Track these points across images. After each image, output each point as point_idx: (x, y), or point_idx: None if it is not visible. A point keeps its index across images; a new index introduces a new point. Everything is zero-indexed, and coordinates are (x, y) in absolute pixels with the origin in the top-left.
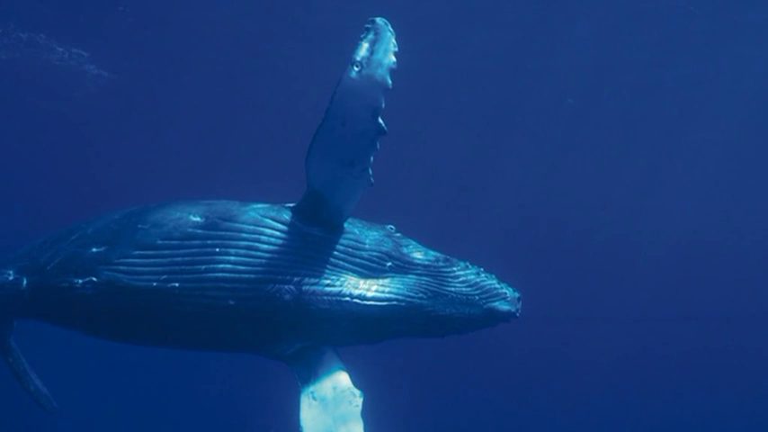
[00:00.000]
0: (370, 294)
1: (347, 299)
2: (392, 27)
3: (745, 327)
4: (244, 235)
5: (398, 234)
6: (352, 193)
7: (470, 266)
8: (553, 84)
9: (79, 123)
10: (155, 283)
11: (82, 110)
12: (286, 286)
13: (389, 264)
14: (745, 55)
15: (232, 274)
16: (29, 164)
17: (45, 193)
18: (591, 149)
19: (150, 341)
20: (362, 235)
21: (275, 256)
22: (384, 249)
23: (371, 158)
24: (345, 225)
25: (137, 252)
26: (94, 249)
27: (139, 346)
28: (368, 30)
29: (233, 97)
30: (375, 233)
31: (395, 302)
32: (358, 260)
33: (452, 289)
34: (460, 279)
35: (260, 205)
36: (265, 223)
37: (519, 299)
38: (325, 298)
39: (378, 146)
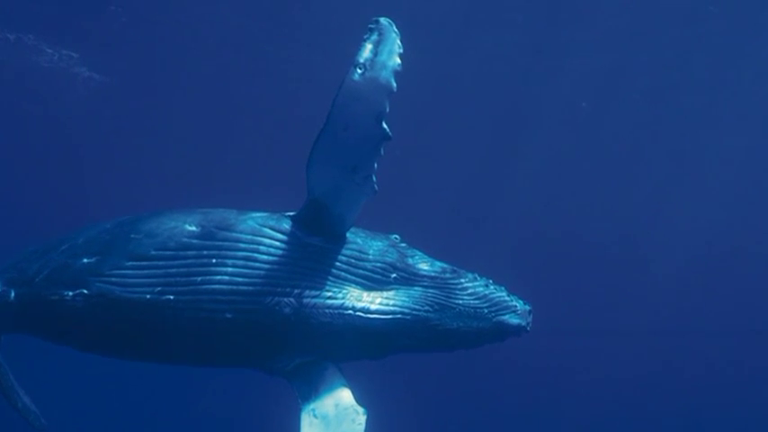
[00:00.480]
0: (373, 307)
1: (350, 312)
2: (397, 27)
3: None
4: (241, 245)
5: (403, 244)
6: (354, 201)
7: (479, 278)
8: (566, 87)
9: (69, 128)
10: (148, 296)
11: (72, 114)
12: (286, 299)
13: (394, 275)
14: None
15: (229, 286)
16: (16, 171)
17: (34, 201)
18: (605, 156)
19: (144, 357)
20: (366, 245)
21: (274, 267)
22: (388, 260)
23: (375, 165)
24: (348, 235)
25: (130, 263)
26: (85, 260)
27: (132, 362)
28: (371, 30)
29: (230, 101)
30: (379, 243)
31: (399, 316)
32: (361, 271)
33: (460, 302)
34: (468, 291)
35: (258, 214)
36: (264, 233)
37: (530, 312)
38: (327, 311)
39: (382, 152)
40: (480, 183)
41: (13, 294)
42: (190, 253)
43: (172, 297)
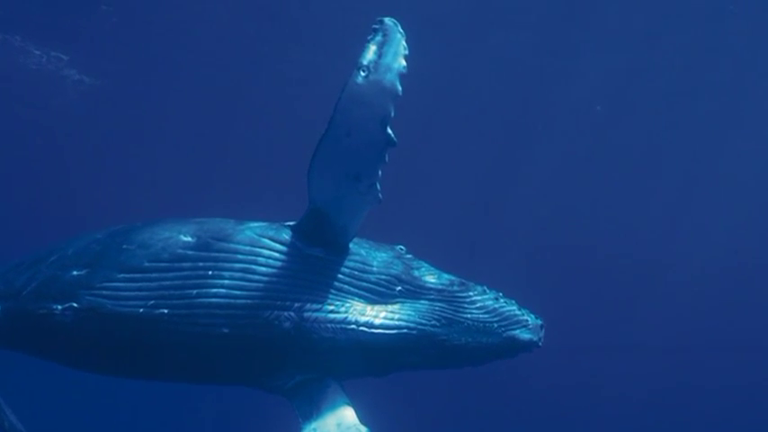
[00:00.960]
0: (377, 322)
1: (353, 327)
2: (402, 28)
3: None
4: (239, 256)
5: (409, 255)
6: (358, 210)
7: (488, 291)
8: (580, 89)
9: (58, 134)
10: (141, 310)
11: (61, 119)
12: (285, 313)
13: (399, 288)
14: None
15: (226, 300)
16: (2, 180)
17: (22, 210)
18: (621, 162)
19: (137, 373)
20: (369, 256)
21: (273, 279)
22: (393, 272)
23: (379, 172)
24: (351, 246)
25: (122, 275)
26: (75, 272)
27: (125, 379)
28: (375, 31)
29: (227, 105)
30: (383, 254)
31: (405, 331)
32: (365, 284)
33: (468, 316)
34: (477, 305)
35: (257, 224)
36: (263, 243)
37: (542, 327)
38: (329, 326)
39: (386, 158)
40: (490, 190)
41: None
42: (185, 265)
43: (166, 311)
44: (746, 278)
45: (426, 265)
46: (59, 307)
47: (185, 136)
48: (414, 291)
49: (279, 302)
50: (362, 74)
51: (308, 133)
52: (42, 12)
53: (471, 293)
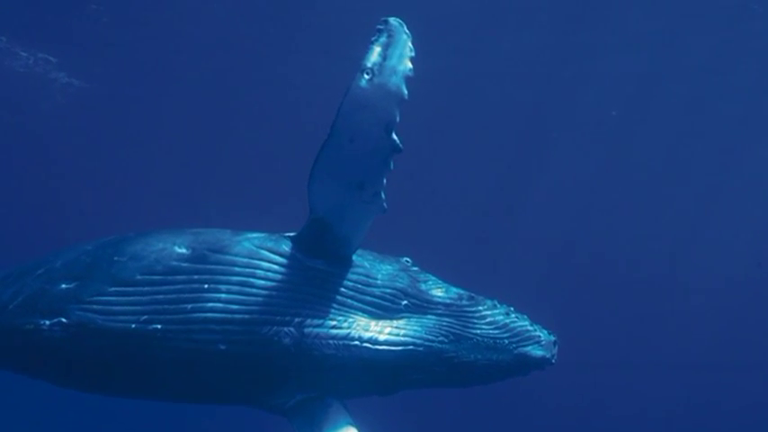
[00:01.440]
0: (382, 338)
1: (356, 343)
2: (408, 28)
3: None
4: (236, 269)
5: (415, 268)
6: (361, 220)
7: (499, 305)
8: (594, 94)
9: (46, 140)
10: (133, 325)
11: (49, 124)
12: (285, 328)
13: (405, 302)
14: None
15: (223, 315)
16: None
17: (7, 221)
18: (638, 170)
19: (129, 392)
20: (374, 269)
21: (273, 293)
22: (399, 286)
23: (384, 180)
24: (354, 258)
25: (113, 289)
26: (64, 285)
27: (117, 398)
28: (380, 32)
29: (225, 110)
30: (388, 267)
31: (411, 347)
32: (369, 298)
33: (478, 331)
34: (487, 320)
35: (255, 235)
36: (261, 255)
37: (555, 343)
38: (331, 342)
39: (391, 166)
40: (500, 200)
41: None
42: (179, 278)
43: (159, 326)
44: None
45: (433, 278)
46: (47, 322)
47: (180, 142)
48: (420, 305)
49: (278, 317)
50: (366, 77)
51: (310, 139)
52: (29, 11)
53: (481, 308)
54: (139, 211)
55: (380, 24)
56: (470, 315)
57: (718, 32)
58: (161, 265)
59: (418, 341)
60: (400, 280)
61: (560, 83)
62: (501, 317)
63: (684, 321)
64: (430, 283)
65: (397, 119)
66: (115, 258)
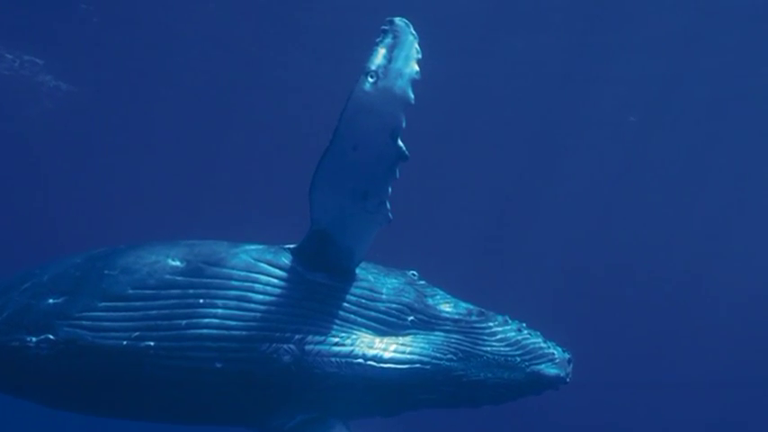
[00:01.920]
0: (387, 355)
1: (360, 361)
2: (414, 29)
3: None
4: (233, 283)
5: (422, 282)
6: (365, 231)
7: (510, 321)
8: (611, 98)
9: (32, 146)
10: (125, 342)
11: (36, 130)
12: (285, 345)
13: (411, 318)
14: None
15: (219, 331)
16: None
17: None
18: (658, 178)
19: (120, 413)
20: (378, 283)
21: (272, 308)
22: (405, 300)
23: (389, 189)
24: (357, 271)
25: (103, 304)
26: (51, 300)
27: (108, 419)
28: (385, 32)
29: (221, 115)
30: (394, 281)
31: (418, 365)
32: (373, 313)
33: (488, 349)
34: (498, 337)
35: (253, 247)
36: (260, 268)
37: (569, 361)
38: (333, 360)
39: (397, 174)
40: (512, 209)
41: None
42: (173, 292)
43: (152, 344)
44: None
45: (441, 292)
46: (34, 339)
47: (174, 149)
48: (427, 321)
49: (278, 334)
50: (370, 80)
51: (311, 146)
52: (15, 11)
53: (491, 324)
54: (131, 221)
55: (385, 25)
56: (480, 331)
57: (742, 31)
58: (154, 278)
59: (425, 359)
60: (406, 294)
61: (575, 86)
62: (512, 333)
63: (709, 336)
64: (438, 297)
65: (403, 124)
66: (105, 272)
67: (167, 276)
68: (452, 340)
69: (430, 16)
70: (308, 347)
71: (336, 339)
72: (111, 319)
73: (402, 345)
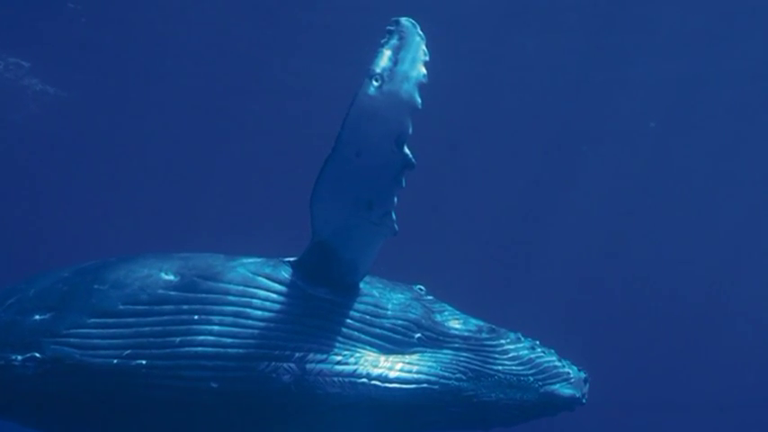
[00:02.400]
0: (393, 375)
1: (364, 380)
2: (422, 30)
3: None
4: (230, 298)
5: (430, 297)
6: (369, 243)
7: (523, 339)
8: (630, 103)
9: (17, 153)
10: (115, 361)
11: (21, 135)
12: (285, 364)
13: (418, 335)
14: None
15: (215, 349)
16: None
17: None
18: (679, 187)
19: None
20: (383, 298)
21: (271, 325)
22: (411, 317)
23: (395, 199)
24: (361, 285)
25: (92, 320)
26: (38, 317)
27: None
28: (391, 33)
29: (218, 120)
30: (400, 296)
31: (425, 385)
32: (378, 330)
33: (500, 368)
34: (510, 355)
35: (251, 260)
36: (258, 283)
37: (586, 380)
38: (336, 379)
39: (403, 183)
40: (525, 220)
41: None
42: (166, 308)
43: (144, 362)
44: None
45: (450, 308)
46: (19, 357)
47: (168, 156)
48: (435, 338)
49: (277, 352)
50: (375, 84)
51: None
52: None
53: (503, 341)
54: (122, 232)
55: (391, 25)
56: (491, 349)
57: (766, 31)
58: (146, 293)
59: (433, 378)
60: (413, 310)
61: (592, 91)
62: (525, 351)
63: (734, 354)
64: (446, 313)
65: (410, 130)
66: (95, 286)
67: (160, 291)
68: (462, 359)
69: (438, 16)
70: (309, 366)
71: (339, 358)
72: (101, 336)
73: (408, 363)
